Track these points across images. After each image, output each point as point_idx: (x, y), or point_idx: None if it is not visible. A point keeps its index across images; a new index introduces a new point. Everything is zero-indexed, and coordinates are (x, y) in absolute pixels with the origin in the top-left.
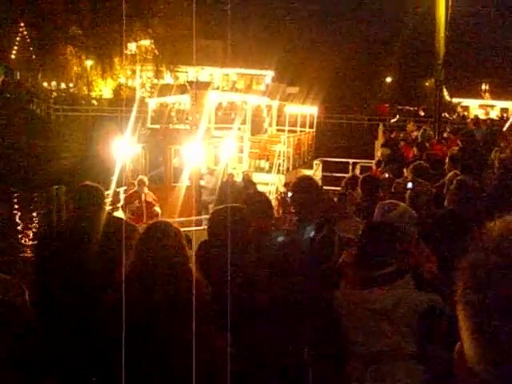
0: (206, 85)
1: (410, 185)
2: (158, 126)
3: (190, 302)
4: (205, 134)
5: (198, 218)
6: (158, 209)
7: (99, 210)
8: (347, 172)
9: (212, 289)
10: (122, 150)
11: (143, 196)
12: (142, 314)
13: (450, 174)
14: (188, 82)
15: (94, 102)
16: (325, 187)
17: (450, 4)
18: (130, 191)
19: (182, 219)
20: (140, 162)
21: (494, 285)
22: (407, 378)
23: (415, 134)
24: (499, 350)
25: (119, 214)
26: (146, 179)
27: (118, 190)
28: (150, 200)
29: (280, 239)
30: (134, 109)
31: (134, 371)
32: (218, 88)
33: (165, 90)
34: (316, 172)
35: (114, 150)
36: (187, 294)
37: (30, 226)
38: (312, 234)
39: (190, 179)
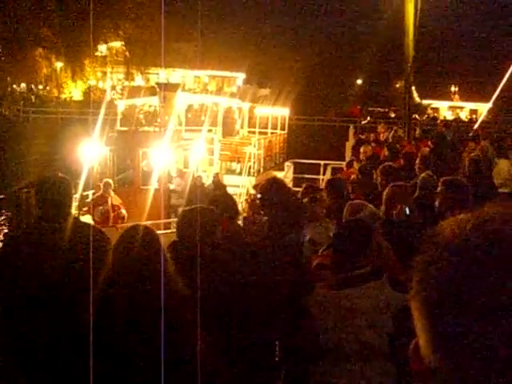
0: (175, 86)
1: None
2: (126, 129)
3: (171, 304)
4: (174, 137)
5: (166, 221)
6: (124, 212)
7: (66, 213)
8: (318, 173)
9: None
10: (90, 153)
11: (110, 199)
12: (124, 317)
13: (423, 174)
14: (157, 83)
15: (64, 104)
16: (296, 189)
17: (418, 7)
18: (97, 194)
19: (149, 222)
20: (108, 165)
21: (447, 282)
22: (380, 377)
23: (386, 134)
24: (453, 347)
25: (87, 218)
26: (111, 182)
27: (85, 193)
28: (117, 203)
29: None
30: (102, 111)
31: (113, 378)
32: (189, 90)
33: (134, 91)
34: (287, 174)
35: (81, 152)
36: (168, 295)
37: None
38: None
39: (158, 182)
